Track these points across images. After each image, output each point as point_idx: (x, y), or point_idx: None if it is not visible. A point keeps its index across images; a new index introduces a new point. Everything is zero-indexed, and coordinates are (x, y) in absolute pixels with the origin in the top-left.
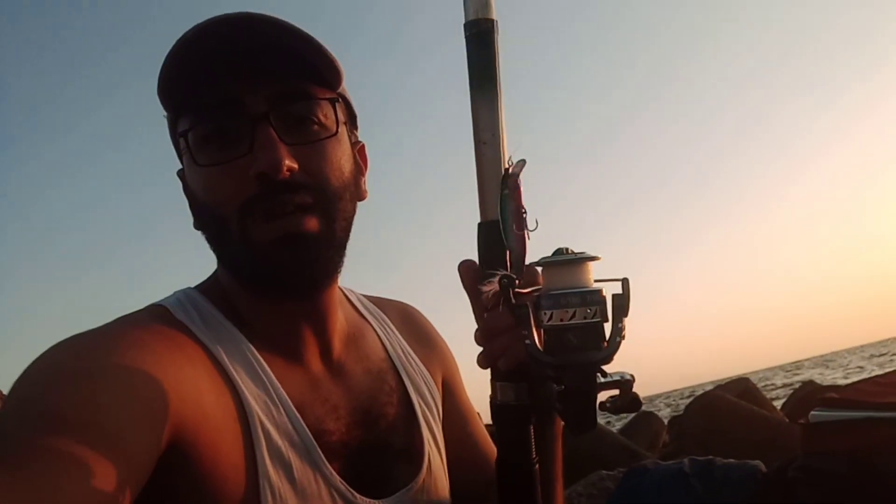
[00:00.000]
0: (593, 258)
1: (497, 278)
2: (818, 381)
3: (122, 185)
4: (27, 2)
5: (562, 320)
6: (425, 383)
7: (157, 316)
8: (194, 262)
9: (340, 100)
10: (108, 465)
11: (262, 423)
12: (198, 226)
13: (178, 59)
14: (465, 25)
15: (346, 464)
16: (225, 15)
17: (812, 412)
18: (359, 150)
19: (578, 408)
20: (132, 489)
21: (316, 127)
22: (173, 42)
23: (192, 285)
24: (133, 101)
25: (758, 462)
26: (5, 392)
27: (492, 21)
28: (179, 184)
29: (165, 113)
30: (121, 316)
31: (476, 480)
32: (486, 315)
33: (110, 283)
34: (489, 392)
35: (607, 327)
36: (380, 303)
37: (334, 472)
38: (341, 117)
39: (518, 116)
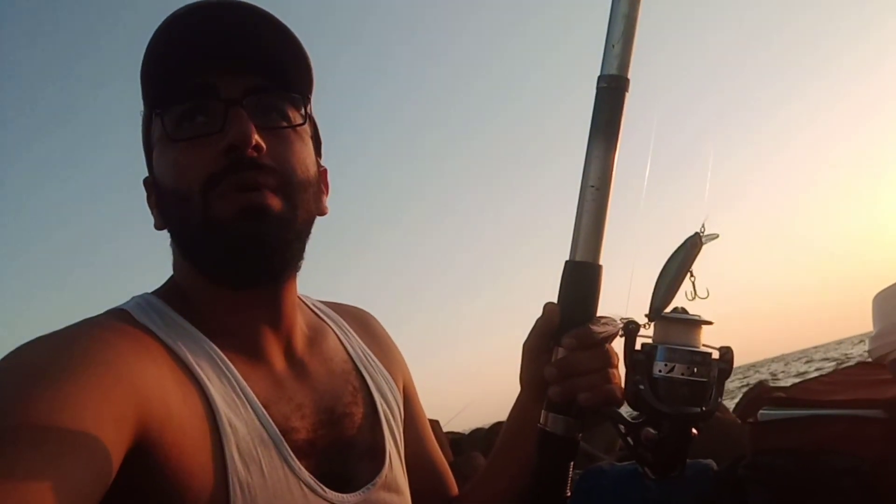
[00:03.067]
0: (708, 322)
1: (619, 323)
2: (769, 382)
3: (91, 189)
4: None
5: (680, 374)
6: (387, 384)
7: (119, 318)
8: (151, 270)
9: (308, 111)
10: (72, 466)
11: (229, 420)
12: (160, 223)
13: (160, 44)
14: (599, 78)
15: (313, 461)
16: (207, 1)
17: (760, 411)
18: (322, 173)
19: (672, 455)
20: (97, 490)
21: (284, 121)
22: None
23: (149, 291)
24: (114, 100)
25: (710, 461)
26: None
27: (626, 79)
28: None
29: (142, 109)
30: (82, 319)
31: (430, 480)
32: (572, 353)
33: (69, 290)
34: (434, 399)
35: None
36: (336, 308)
37: (303, 468)
38: (308, 126)
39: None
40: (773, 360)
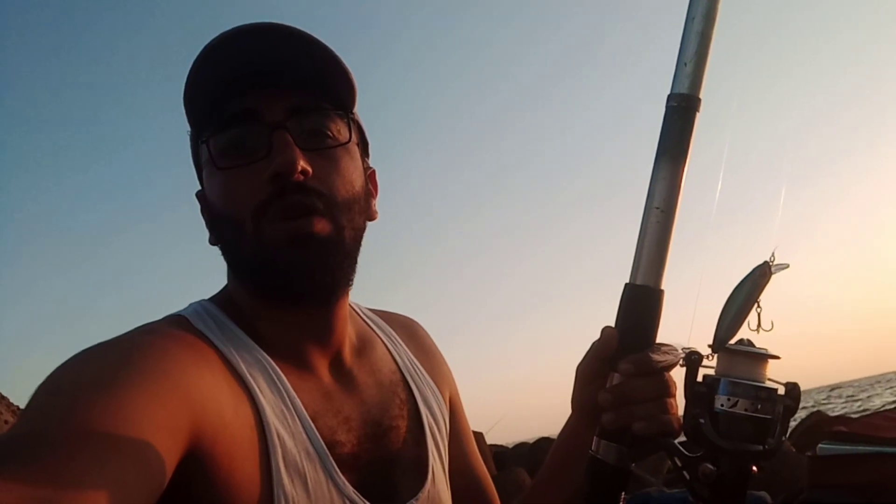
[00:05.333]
0: (775, 357)
1: (680, 352)
2: (826, 411)
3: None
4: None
5: (743, 409)
6: (434, 397)
7: (177, 325)
8: (207, 280)
9: (353, 121)
10: (126, 473)
11: (277, 431)
12: (214, 239)
13: (201, 70)
14: (669, 96)
15: (357, 475)
16: (248, 25)
17: (820, 445)
18: (370, 175)
19: (730, 493)
20: (150, 497)
21: (329, 139)
22: (199, 50)
23: (206, 298)
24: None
25: (763, 493)
26: (21, 404)
27: (698, 99)
28: (198, 205)
29: (189, 129)
30: (141, 325)
31: (473, 495)
32: (629, 380)
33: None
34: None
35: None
36: (385, 316)
37: (347, 483)
38: (354, 136)
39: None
40: (832, 387)
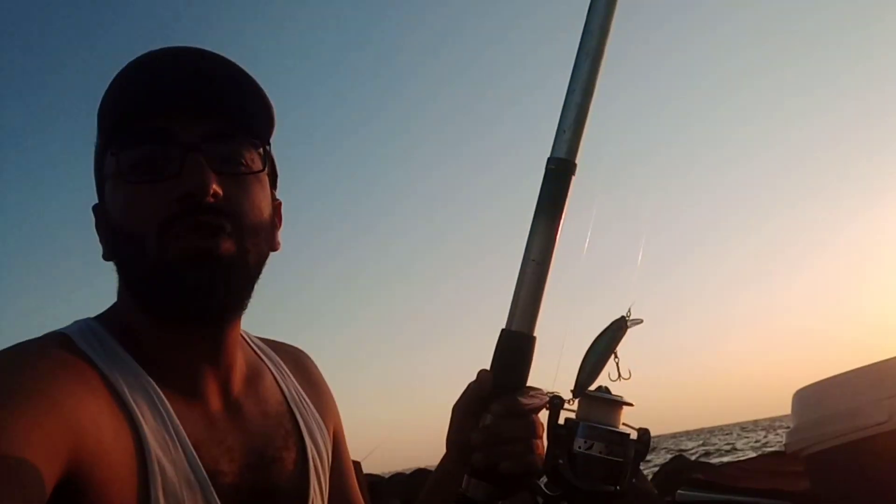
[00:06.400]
0: (629, 404)
1: (546, 395)
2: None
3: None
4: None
5: (598, 452)
6: (318, 430)
7: (59, 344)
8: (96, 294)
9: (267, 152)
10: (3, 495)
11: (158, 459)
12: (108, 255)
13: (122, 83)
14: (548, 159)
15: None
16: (177, 48)
17: (679, 491)
18: (276, 206)
19: None
20: None
21: (243, 167)
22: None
23: (92, 316)
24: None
25: None
26: None
27: (573, 164)
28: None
29: (95, 140)
30: (21, 342)
31: None
32: (499, 420)
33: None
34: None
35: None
36: (274, 346)
37: None
38: (266, 167)
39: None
40: (694, 433)
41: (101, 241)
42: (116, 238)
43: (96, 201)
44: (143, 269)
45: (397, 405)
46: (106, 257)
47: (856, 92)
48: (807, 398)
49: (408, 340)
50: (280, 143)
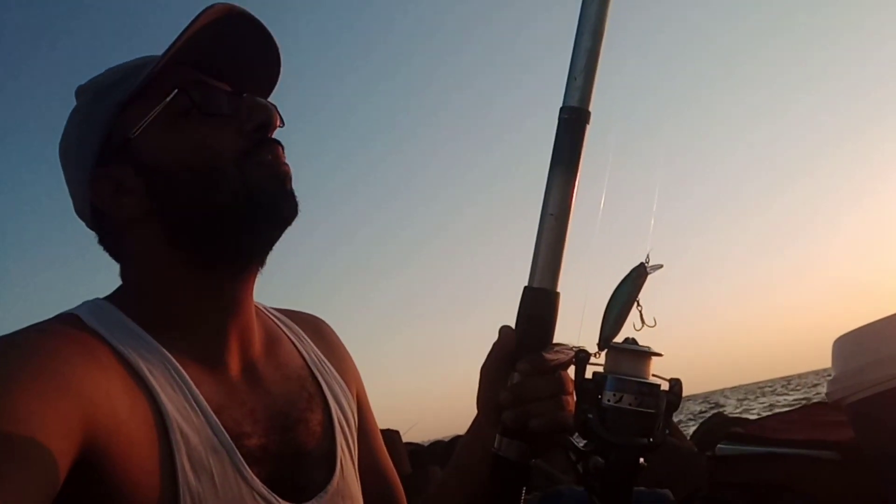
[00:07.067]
0: (658, 354)
1: (572, 351)
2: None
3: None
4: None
5: (628, 404)
6: (342, 392)
7: (69, 323)
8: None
9: None
10: (18, 477)
11: (180, 427)
12: (139, 211)
13: (212, 30)
14: (561, 109)
15: (265, 468)
16: (244, 11)
17: (718, 445)
18: None
19: (618, 485)
20: (43, 501)
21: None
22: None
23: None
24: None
25: (667, 491)
26: None
27: (587, 112)
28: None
29: (113, 100)
30: (31, 324)
31: (379, 491)
32: (526, 379)
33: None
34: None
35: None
36: (291, 315)
37: (255, 476)
38: None
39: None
40: (730, 390)
41: (114, 206)
42: (171, 180)
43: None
44: (226, 197)
45: (431, 375)
46: (133, 217)
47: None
48: (847, 345)
49: (439, 307)
50: (301, 108)
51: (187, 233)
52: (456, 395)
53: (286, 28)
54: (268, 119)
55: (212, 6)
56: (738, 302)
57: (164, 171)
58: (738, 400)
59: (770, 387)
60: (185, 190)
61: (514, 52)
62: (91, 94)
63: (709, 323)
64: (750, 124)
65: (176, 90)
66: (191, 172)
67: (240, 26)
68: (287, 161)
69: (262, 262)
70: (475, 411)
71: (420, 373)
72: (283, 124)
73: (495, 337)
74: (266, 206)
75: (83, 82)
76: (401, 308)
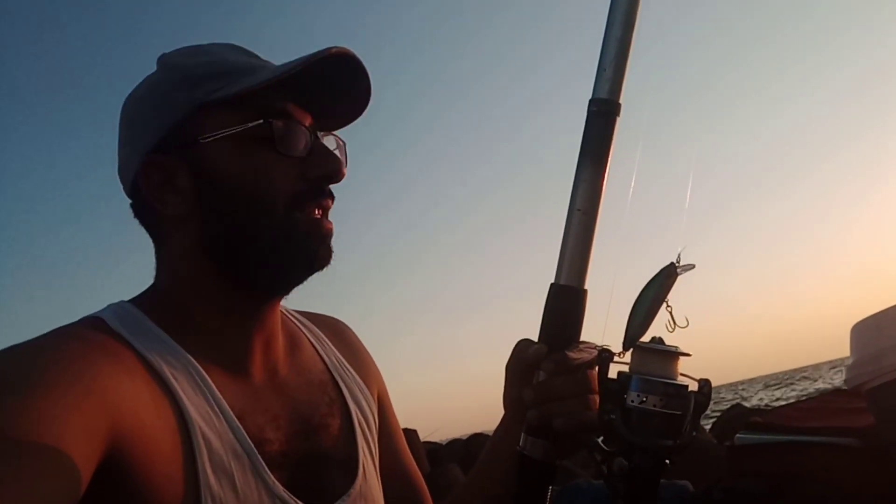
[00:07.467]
0: (686, 354)
1: (596, 350)
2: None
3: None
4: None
5: (653, 406)
6: (362, 395)
7: (94, 327)
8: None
9: None
10: (42, 480)
11: (202, 432)
12: (183, 209)
13: (312, 69)
14: (590, 101)
15: (286, 473)
16: (347, 55)
17: (737, 435)
18: None
19: (642, 486)
20: (67, 503)
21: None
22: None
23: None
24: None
25: (686, 482)
26: None
27: (617, 104)
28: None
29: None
30: (56, 328)
31: (404, 491)
32: (550, 378)
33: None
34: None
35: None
36: (311, 317)
37: (276, 482)
38: None
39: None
40: (746, 382)
41: (164, 196)
42: (228, 199)
43: None
44: (267, 234)
45: (445, 373)
46: (179, 213)
47: None
48: (865, 330)
49: (452, 305)
50: None
51: (222, 250)
52: (472, 394)
53: (307, 24)
54: (333, 173)
55: (331, 49)
56: (760, 292)
57: (218, 186)
58: (766, 388)
59: (789, 378)
60: (232, 211)
61: (542, 41)
62: (178, 77)
63: (731, 314)
64: (773, 111)
65: (260, 120)
66: (243, 197)
67: (342, 66)
68: (331, 219)
69: (286, 294)
70: (490, 409)
71: (433, 372)
72: (345, 175)
73: (512, 333)
74: (300, 255)
75: (167, 51)
76: (413, 306)
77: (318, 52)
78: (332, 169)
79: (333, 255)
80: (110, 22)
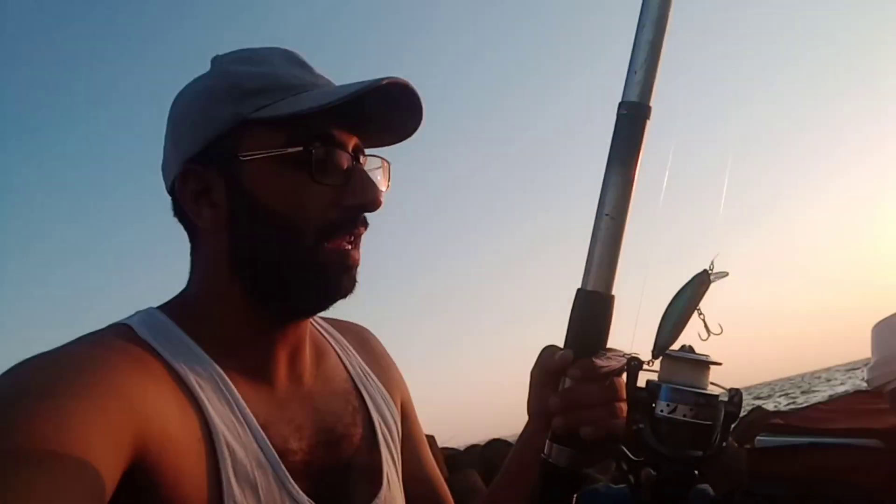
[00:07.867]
0: (716, 363)
1: (625, 357)
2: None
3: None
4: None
5: (683, 415)
6: (385, 404)
7: (121, 335)
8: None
9: None
10: (69, 487)
11: (227, 442)
12: (216, 225)
13: (362, 97)
14: (620, 104)
15: (310, 483)
16: (403, 81)
17: (758, 437)
18: None
19: (670, 497)
20: None
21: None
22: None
23: (155, 306)
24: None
25: (706, 486)
26: None
27: (648, 107)
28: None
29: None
30: (84, 334)
31: (427, 499)
32: (576, 385)
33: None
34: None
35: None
36: (335, 324)
37: (300, 491)
38: None
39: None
40: (769, 384)
41: (201, 208)
42: (260, 221)
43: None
44: (293, 262)
45: (467, 379)
46: (211, 228)
47: None
48: (886, 330)
49: (473, 312)
50: None
51: (247, 271)
52: (490, 400)
53: (315, 26)
54: (370, 204)
55: (387, 78)
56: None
57: (252, 204)
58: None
59: (806, 382)
60: (262, 234)
61: (572, 43)
62: (226, 86)
63: (763, 315)
64: (807, 111)
65: (300, 147)
66: (275, 223)
67: (395, 93)
68: (361, 249)
69: (310, 317)
70: (507, 415)
71: (452, 377)
72: (381, 204)
73: (532, 339)
74: (323, 286)
75: (220, 53)
76: (427, 306)
77: (372, 83)
78: (368, 200)
79: (358, 285)
80: (109, 22)
